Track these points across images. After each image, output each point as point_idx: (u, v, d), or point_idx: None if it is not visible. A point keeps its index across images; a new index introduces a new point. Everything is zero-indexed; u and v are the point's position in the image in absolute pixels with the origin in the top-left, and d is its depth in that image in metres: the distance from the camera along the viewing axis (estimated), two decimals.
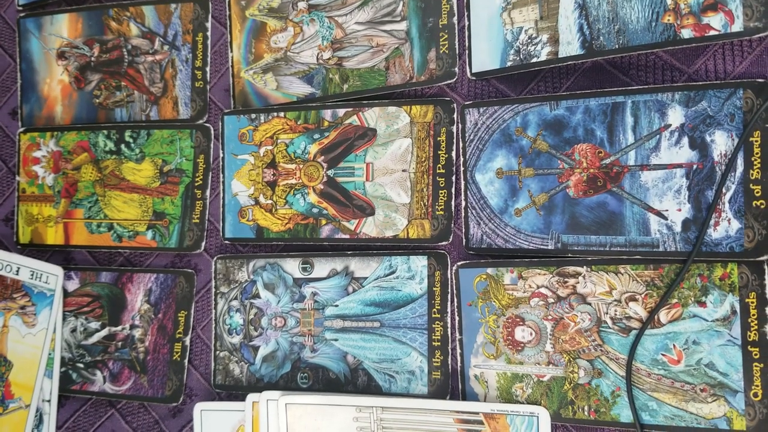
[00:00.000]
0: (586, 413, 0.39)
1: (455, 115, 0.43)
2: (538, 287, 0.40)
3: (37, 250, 0.53)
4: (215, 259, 0.48)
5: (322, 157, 0.45)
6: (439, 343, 0.42)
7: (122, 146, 0.50)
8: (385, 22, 0.44)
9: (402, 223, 0.43)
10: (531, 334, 0.40)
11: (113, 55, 0.51)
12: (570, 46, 0.39)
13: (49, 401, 0.49)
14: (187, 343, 0.48)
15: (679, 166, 0.37)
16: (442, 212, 0.42)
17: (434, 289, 0.42)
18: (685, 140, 0.37)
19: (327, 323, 0.44)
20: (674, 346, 0.37)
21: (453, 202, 0.42)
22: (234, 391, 0.46)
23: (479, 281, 0.42)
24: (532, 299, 0.40)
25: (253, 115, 0.47)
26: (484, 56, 0.42)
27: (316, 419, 0.41)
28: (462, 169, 0.42)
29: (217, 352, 0.47)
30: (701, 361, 0.36)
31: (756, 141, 0.35)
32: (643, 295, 0.38)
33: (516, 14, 0.41)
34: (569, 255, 0.39)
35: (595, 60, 0.40)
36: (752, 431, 0.35)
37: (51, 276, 0.50)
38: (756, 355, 0.35)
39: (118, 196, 0.50)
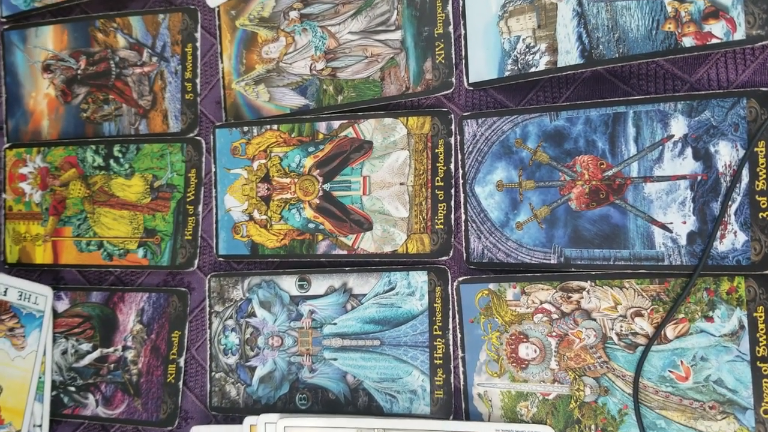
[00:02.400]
0: None
1: (453, 127, 0.42)
2: (542, 303, 0.39)
3: (25, 269, 0.51)
4: (209, 277, 0.46)
5: (318, 171, 0.44)
6: (441, 362, 0.41)
7: (111, 161, 0.49)
8: (379, 31, 0.43)
9: (401, 238, 0.42)
10: (535, 351, 0.39)
11: (100, 67, 0.50)
12: (569, 55, 0.38)
13: (40, 426, 0.48)
14: (182, 364, 0.46)
15: (683, 177, 0.36)
16: (441, 226, 0.41)
17: (435, 305, 0.41)
18: (689, 151, 0.36)
19: (325, 342, 0.43)
20: (682, 362, 0.36)
21: (453, 216, 0.41)
22: (231, 413, 0.45)
23: (481, 297, 0.41)
24: (535, 315, 0.39)
25: (246, 128, 0.46)
26: (482, 66, 0.41)
27: None
28: (461, 181, 0.41)
29: (213, 373, 0.46)
30: (710, 377, 0.35)
31: (761, 151, 0.35)
32: (648, 310, 0.37)
33: (513, 23, 0.40)
34: (572, 269, 0.38)
35: (594, 69, 0.39)
36: None
37: (40, 296, 0.48)
38: (765, 370, 0.34)
39: (108, 213, 0.49)
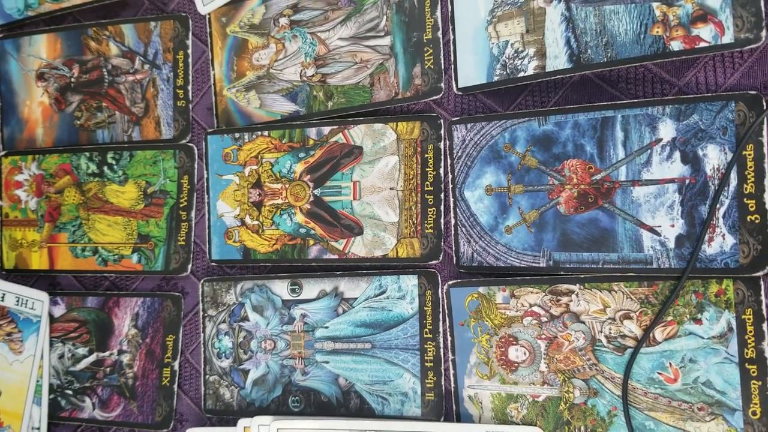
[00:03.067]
0: None
1: (442, 132, 0.42)
2: (531, 306, 0.39)
3: (22, 275, 0.52)
4: (202, 281, 0.47)
5: (309, 176, 0.44)
6: (431, 364, 0.41)
7: (105, 168, 0.49)
8: (368, 37, 0.43)
9: (391, 243, 0.42)
10: (525, 353, 0.39)
11: (93, 75, 0.50)
12: (557, 59, 0.38)
13: (38, 429, 0.48)
14: (176, 367, 0.47)
15: (672, 181, 0.36)
16: (431, 230, 0.42)
17: (425, 308, 0.42)
18: (677, 154, 0.36)
19: (317, 345, 0.44)
20: (670, 364, 0.36)
21: (442, 220, 0.42)
22: (225, 415, 0.46)
23: (471, 300, 0.41)
24: (525, 318, 0.39)
25: (237, 135, 0.46)
26: (471, 71, 0.41)
27: None
28: (451, 186, 0.42)
29: (207, 376, 0.46)
30: (698, 379, 0.36)
31: (749, 154, 0.35)
32: (637, 313, 0.37)
33: (501, 28, 0.40)
34: (561, 273, 0.38)
35: (583, 74, 0.39)
36: None
37: (37, 302, 0.49)
38: (753, 372, 0.35)
39: (102, 219, 0.49)
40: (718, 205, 0.35)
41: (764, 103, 0.34)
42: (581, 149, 0.38)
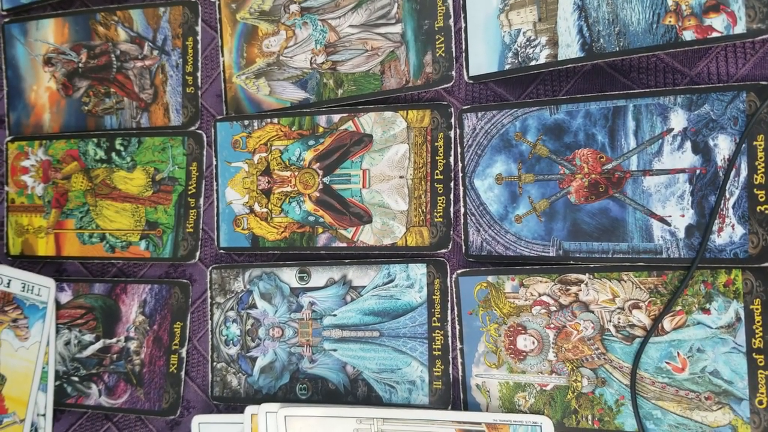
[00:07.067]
0: (589, 422, 0.38)
1: (453, 120, 0.42)
2: (540, 295, 0.39)
3: (28, 261, 0.52)
4: (210, 268, 0.47)
5: (318, 164, 0.44)
6: (439, 353, 0.41)
7: (113, 154, 0.49)
8: (379, 24, 0.43)
9: (400, 231, 0.42)
10: (533, 342, 0.39)
11: (101, 60, 0.50)
12: (569, 48, 0.38)
13: (44, 415, 0.48)
14: (184, 354, 0.47)
15: (682, 171, 0.36)
16: (440, 219, 0.42)
17: (434, 297, 0.42)
18: (688, 145, 0.36)
19: (325, 333, 0.44)
20: (678, 353, 0.36)
21: (452, 209, 0.42)
22: (232, 403, 0.46)
23: (480, 289, 0.41)
24: (533, 307, 0.39)
25: (246, 122, 0.46)
26: (482, 59, 0.41)
27: (316, 431, 0.41)
28: (461, 174, 0.42)
29: (215, 363, 0.46)
30: (706, 368, 0.36)
31: (760, 145, 0.35)
32: (646, 303, 0.37)
33: (513, 16, 0.40)
34: (571, 262, 0.39)
35: (595, 63, 0.39)
36: None
37: (43, 288, 0.49)
38: (761, 362, 0.35)
39: (110, 205, 0.49)
40: (727, 195, 0.35)
41: None
42: (592, 138, 0.38)
